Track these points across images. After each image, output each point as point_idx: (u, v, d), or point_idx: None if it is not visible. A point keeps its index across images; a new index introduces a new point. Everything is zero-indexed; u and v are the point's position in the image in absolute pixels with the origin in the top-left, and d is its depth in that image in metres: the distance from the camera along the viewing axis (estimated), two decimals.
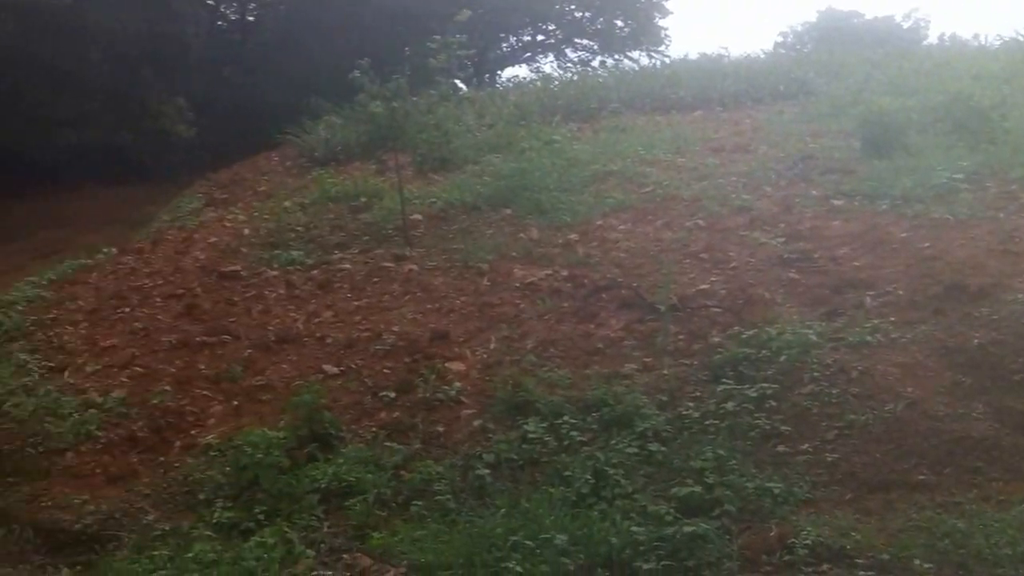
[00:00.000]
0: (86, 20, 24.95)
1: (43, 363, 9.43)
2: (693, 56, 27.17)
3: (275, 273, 10.78)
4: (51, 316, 10.41)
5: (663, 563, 5.85)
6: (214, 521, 6.99)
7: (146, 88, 26.59)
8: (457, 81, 17.26)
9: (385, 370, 8.65)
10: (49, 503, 7.64)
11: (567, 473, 6.90)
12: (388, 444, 7.59)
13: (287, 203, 13.38)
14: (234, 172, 18.78)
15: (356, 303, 9.97)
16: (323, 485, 7.12)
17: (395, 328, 9.28)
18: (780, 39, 35.77)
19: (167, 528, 7.04)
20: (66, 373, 9.23)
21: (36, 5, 24.18)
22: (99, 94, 26.09)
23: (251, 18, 34.44)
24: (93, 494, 7.62)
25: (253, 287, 10.50)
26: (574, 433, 7.34)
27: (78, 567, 6.91)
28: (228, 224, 12.91)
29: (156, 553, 6.66)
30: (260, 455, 7.43)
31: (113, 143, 26.14)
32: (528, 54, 40.24)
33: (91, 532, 7.23)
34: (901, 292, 8.43)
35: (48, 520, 7.48)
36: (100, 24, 25.16)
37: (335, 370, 8.75)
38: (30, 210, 24.56)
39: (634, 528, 6.12)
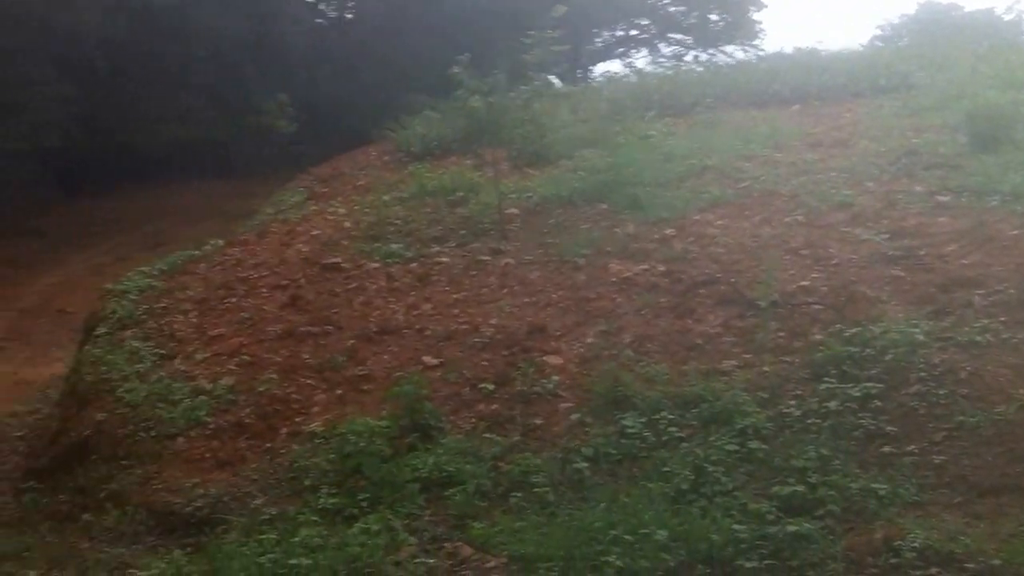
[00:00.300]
0: (193, 20, 25.85)
1: (155, 350, 9.75)
2: (787, 50, 26.79)
3: (375, 265, 10.95)
4: (162, 305, 10.74)
5: (766, 562, 5.83)
6: (319, 507, 7.18)
7: (248, 85, 27.47)
8: (550, 76, 17.28)
9: (483, 362, 8.75)
10: (161, 486, 7.94)
11: (666, 469, 6.91)
12: (487, 436, 7.69)
13: (386, 197, 13.56)
14: (333, 167, 19.08)
15: (454, 296, 10.09)
16: (424, 474, 7.26)
17: (493, 321, 9.37)
18: (878, 32, 35.01)
19: (274, 512, 7.25)
20: (177, 360, 9.52)
21: (147, 5, 25.04)
22: (204, 91, 27.04)
23: (349, 16, 35.03)
24: (203, 478, 7.89)
25: (355, 279, 10.69)
26: (672, 429, 7.34)
27: (188, 549, 7.15)
28: (329, 217, 13.13)
29: (264, 537, 6.86)
30: (363, 443, 7.63)
31: (216, 138, 27.08)
32: (621, 49, 40.17)
33: (201, 515, 7.49)
34: (1012, 291, 8.19)
35: (160, 502, 7.77)
36: (206, 24, 26.06)
37: (434, 361, 8.88)
38: (138, 202, 25.49)
39: (735, 526, 6.11)
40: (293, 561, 6.46)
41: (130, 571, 6.95)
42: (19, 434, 11.36)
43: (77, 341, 11.66)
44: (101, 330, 10.55)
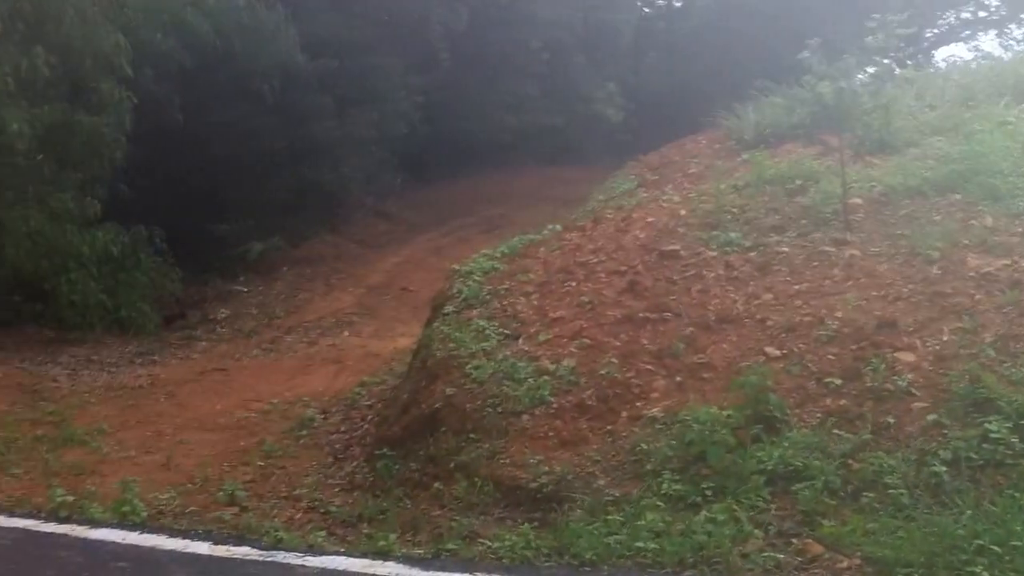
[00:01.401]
0: (528, 12, 26.91)
1: (499, 330, 10.15)
2: None
3: (713, 254, 10.85)
4: (505, 287, 11.16)
5: None
6: (662, 492, 7.24)
7: (579, 74, 28.28)
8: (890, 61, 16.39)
9: (829, 356, 8.45)
10: (507, 461, 8.28)
11: None
12: (835, 432, 7.44)
13: (721, 185, 13.38)
14: (662, 155, 19.12)
15: (796, 287, 9.81)
16: (769, 467, 7.13)
17: (838, 314, 9.04)
18: None
19: (617, 494, 7.39)
20: (520, 341, 9.88)
21: None
22: (538, 81, 28.08)
23: (678, 4, 35.04)
24: (547, 456, 8.15)
25: (692, 267, 10.63)
26: None
27: (535, 523, 7.41)
28: (664, 204, 13.13)
29: (610, 518, 7.03)
30: (706, 432, 7.59)
31: (547, 126, 28.01)
32: (967, 32, 37.39)
33: (546, 492, 7.75)
34: None
35: (507, 477, 8.11)
36: (540, 14, 27.01)
37: (777, 353, 8.68)
38: (473, 187, 26.86)
39: None
40: (639, 544, 6.58)
41: (481, 540, 7.28)
42: (369, 403, 12.16)
43: (418, 317, 12.34)
44: (448, 308, 11.07)
